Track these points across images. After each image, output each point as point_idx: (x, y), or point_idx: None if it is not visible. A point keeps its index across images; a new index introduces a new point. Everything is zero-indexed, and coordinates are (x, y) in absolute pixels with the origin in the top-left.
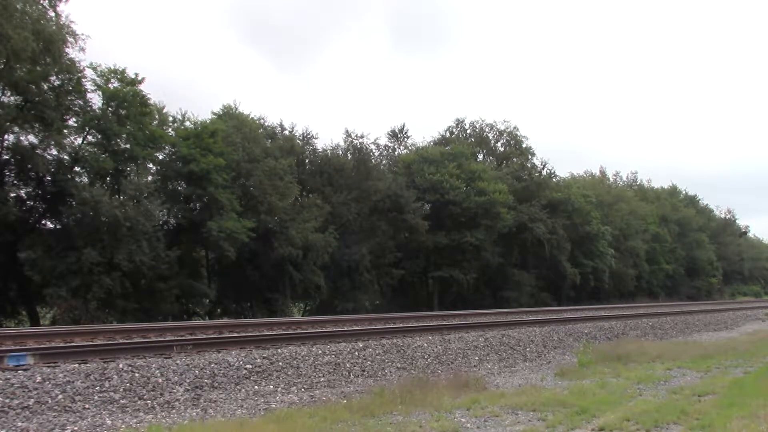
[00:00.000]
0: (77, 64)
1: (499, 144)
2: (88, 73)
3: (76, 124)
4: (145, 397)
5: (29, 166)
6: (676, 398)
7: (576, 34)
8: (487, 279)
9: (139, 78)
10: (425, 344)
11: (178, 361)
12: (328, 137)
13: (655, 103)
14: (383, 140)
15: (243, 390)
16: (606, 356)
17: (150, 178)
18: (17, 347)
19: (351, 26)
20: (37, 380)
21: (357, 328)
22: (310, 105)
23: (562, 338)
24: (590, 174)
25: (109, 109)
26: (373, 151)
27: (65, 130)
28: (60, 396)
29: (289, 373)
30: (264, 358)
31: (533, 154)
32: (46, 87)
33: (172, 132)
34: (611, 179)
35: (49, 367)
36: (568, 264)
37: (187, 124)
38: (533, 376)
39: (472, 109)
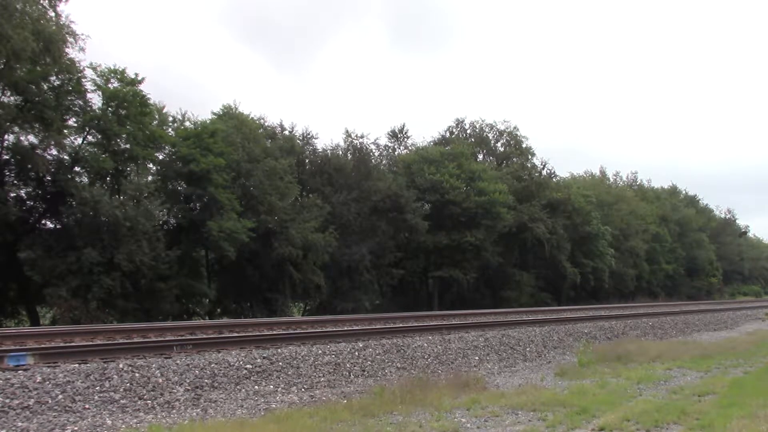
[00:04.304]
0: (77, 64)
1: (499, 144)
2: (88, 73)
3: (76, 124)
4: (145, 397)
5: (29, 166)
6: (676, 398)
7: (576, 34)
8: (487, 279)
9: (139, 78)
10: (425, 344)
11: (178, 361)
12: (328, 137)
13: (655, 103)
14: (383, 140)
15: (243, 390)
16: (606, 356)
17: (150, 178)
18: (17, 347)
19: (351, 26)
20: (37, 380)
21: (357, 328)
22: (309, 105)
23: (562, 338)
24: (590, 174)
25: (109, 109)
26: (373, 151)
27: (65, 130)
28: (60, 396)
29: (289, 373)
30: (264, 358)
31: (533, 154)
32: (46, 87)
33: (172, 132)
34: (611, 179)
35: (49, 367)
36: (568, 264)
37: (187, 124)
38: (533, 376)
39: (472, 109)
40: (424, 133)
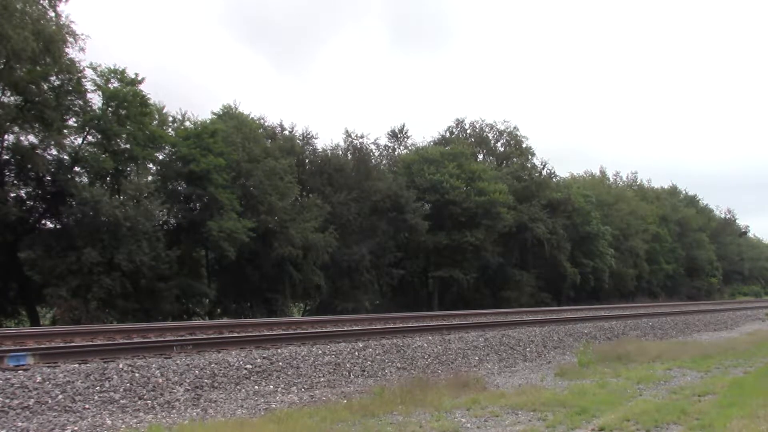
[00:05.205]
0: (77, 64)
1: (499, 144)
2: (88, 73)
3: (76, 124)
4: (145, 397)
5: (29, 166)
6: (676, 398)
7: (576, 34)
8: (487, 279)
9: (139, 78)
10: (425, 344)
11: (178, 361)
12: (328, 137)
13: (655, 103)
14: (383, 140)
15: (243, 390)
16: (606, 356)
17: (150, 178)
18: (17, 347)
19: (351, 26)
20: (37, 380)
21: (357, 328)
22: (309, 105)
23: (562, 338)
24: (590, 174)
25: (109, 109)
26: (373, 151)
27: (65, 130)
28: (60, 396)
29: (289, 373)
30: (264, 358)
31: (533, 154)
32: (46, 87)
33: (172, 132)
34: (611, 179)
35: (49, 367)
36: (568, 264)
37: (187, 124)
38: (533, 376)
39: (472, 109)
40: (424, 133)
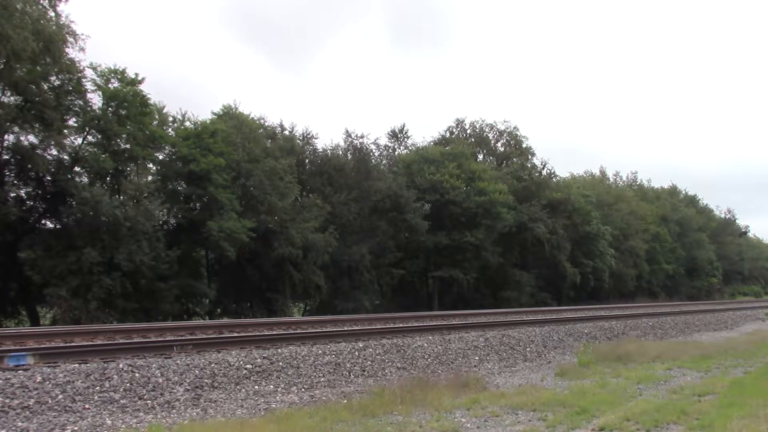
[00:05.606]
0: (77, 64)
1: (499, 144)
2: (88, 73)
3: (76, 124)
4: (145, 397)
5: (29, 166)
6: (676, 398)
7: (576, 34)
8: (487, 279)
9: (139, 78)
10: (425, 344)
11: (178, 361)
12: (328, 137)
13: (655, 103)
14: (383, 140)
15: (243, 390)
16: (606, 356)
17: (150, 178)
18: (17, 347)
19: (351, 26)
20: (37, 380)
21: (357, 328)
22: (309, 105)
23: (562, 338)
24: (590, 174)
25: (109, 109)
26: (373, 151)
27: (65, 130)
28: (60, 396)
29: (289, 373)
30: (264, 358)
31: (533, 154)
32: (46, 87)
33: (172, 132)
34: (611, 179)
35: (49, 367)
36: (568, 264)
37: (187, 124)
38: (533, 376)
39: (472, 109)
40: (424, 133)
